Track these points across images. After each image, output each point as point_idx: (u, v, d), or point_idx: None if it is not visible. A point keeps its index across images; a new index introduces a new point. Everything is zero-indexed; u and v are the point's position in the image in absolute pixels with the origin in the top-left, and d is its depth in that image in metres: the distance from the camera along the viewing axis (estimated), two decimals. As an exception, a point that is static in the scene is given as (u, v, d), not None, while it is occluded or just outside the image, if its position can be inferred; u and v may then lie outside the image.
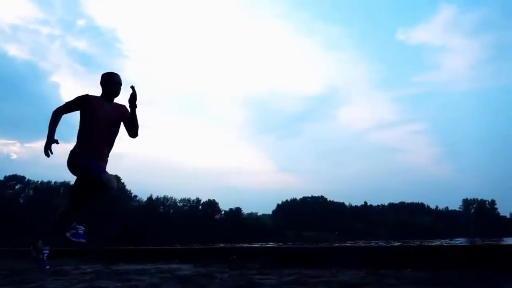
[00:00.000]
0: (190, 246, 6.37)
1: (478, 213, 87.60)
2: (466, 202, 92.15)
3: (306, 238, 66.96)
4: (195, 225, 67.93)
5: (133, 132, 3.13)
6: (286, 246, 2.96)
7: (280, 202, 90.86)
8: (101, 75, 3.12)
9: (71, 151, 2.95)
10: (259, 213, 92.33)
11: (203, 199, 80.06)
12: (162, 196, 76.54)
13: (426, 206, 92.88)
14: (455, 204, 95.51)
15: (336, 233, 76.35)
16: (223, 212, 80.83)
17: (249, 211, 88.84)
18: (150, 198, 73.00)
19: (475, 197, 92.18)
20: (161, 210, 74.10)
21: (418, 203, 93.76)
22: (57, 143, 2.87)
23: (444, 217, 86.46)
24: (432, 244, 2.30)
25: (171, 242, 33.10)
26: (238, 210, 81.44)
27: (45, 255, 2.98)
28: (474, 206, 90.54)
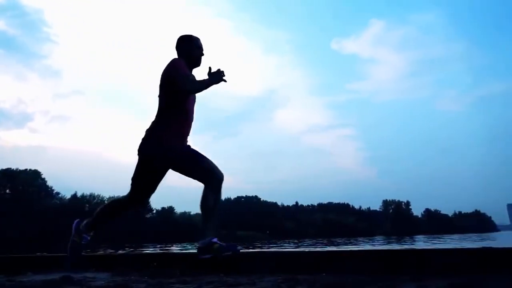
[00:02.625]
0: (109, 252, 6.01)
1: (395, 213, 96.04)
2: (386, 203, 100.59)
3: (239, 238, 67.65)
4: (124, 225, 64.83)
5: None
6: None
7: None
8: (180, 37, 2.52)
9: (159, 129, 2.32)
10: (193, 213, 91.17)
11: (134, 197, 76.82)
12: (88, 193, 71.87)
13: (351, 206, 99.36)
14: (376, 205, 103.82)
15: (268, 232, 78.22)
16: (154, 211, 78.27)
17: (182, 210, 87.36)
18: (74, 196, 67.99)
19: (393, 198, 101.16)
20: (87, 209, 69.41)
21: (344, 203, 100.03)
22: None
23: (366, 216, 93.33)
24: (345, 249, 2.48)
25: (96, 244, 31.15)
26: (170, 209, 79.45)
27: (85, 241, 2.49)
28: (392, 206, 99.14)
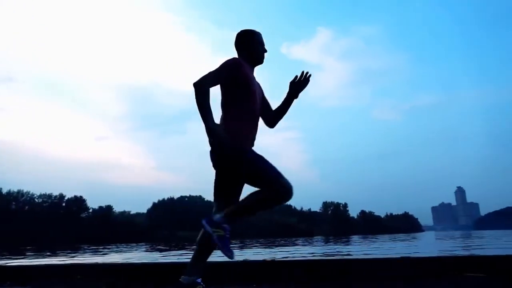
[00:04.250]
0: (27, 264, 5.62)
1: (334, 214, 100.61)
2: (325, 205, 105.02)
3: (180, 238, 66.36)
4: (57, 225, 60.54)
5: (276, 120, 2.37)
6: (140, 262, 2.94)
7: (156, 201, 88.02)
8: (240, 33, 2.28)
9: (228, 133, 2.02)
10: (133, 212, 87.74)
11: (68, 195, 72.13)
12: (15, 190, 66.12)
13: (293, 207, 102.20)
14: (316, 206, 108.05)
15: (211, 232, 77.67)
16: (91, 210, 74.08)
17: (122, 210, 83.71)
18: (-1, 192, 62.29)
19: (333, 200, 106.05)
20: (13, 207, 63.73)
21: (287, 204, 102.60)
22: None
23: (307, 217, 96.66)
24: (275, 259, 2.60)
25: (24, 246, 28.81)
26: (109, 208, 75.69)
27: (228, 233, 2.02)
28: (331, 208, 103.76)
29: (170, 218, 78.99)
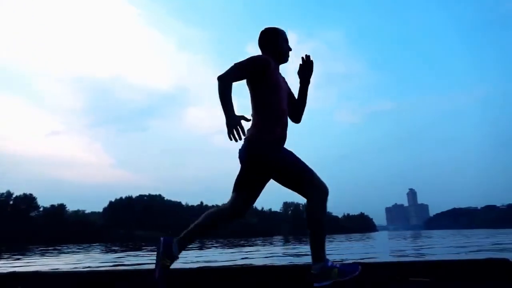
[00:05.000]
0: None
1: (294, 214, 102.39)
2: (286, 205, 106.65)
3: (138, 238, 64.54)
4: (2, 224, 56.59)
5: (299, 114, 2.33)
6: (85, 270, 2.79)
7: (113, 199, 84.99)
8: (265, 30, 2.23)
9: (259, 132, 2.00)
10: (88, 211, 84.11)
11: (16, 192, 67.78)
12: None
13: (254, 207, 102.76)
14: (277, 206, 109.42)
15: (170, 232, 76.27)
16: (41, 209, 70.09)
17: (76, 209, 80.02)
18: None
19: (293, 200, 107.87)
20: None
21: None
22: (247, 120, 1.93)
23: (268, 217, 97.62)
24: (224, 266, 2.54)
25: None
26: (61, 206, 72.02)
27: (172, 262, 1.95)
28: (292, 208, 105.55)
29: (127, 217, 76.57)
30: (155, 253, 2.00)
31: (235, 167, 2.12)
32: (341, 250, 10.29)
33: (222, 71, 1.95)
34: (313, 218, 2.01)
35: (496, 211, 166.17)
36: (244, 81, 2.09)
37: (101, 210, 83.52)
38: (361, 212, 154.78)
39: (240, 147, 2.05)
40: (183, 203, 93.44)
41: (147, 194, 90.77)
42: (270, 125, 2.02)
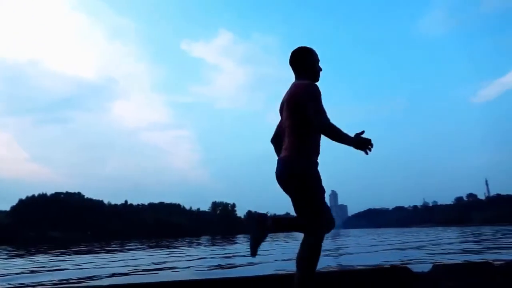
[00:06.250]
0: None
1: (222, 214, 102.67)
2: (214, 205, 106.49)
3: (52, 239, 59.18)
4: None
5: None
6: None
7: (24, 197, 76.95)
8: (301, 50, 2.21)
9: (300, 153, 2.01)
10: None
11: None
12: None
13: (182, 206, 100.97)
14: (205, 206, 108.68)
15: (89, 233, 71.43)
16: None
17: (-24, 207, 70.71)
18: None
19: (222, 200, 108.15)
20: None
21: (176, 203, 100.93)
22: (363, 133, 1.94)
23: (196, 217, 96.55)
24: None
25: None
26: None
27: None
28: (220, 208, 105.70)
29: (40, 217, 69.90)
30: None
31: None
32: (261, 251, 10.54)
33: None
34: (300, 255, 2.00)
35: (404, 212, 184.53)
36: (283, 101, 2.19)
37: (8, 208, 75.07)
38: (286, 212, 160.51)
39: (281, 169, 2.06)
40: (105, 201, 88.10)
41: (64, 191, 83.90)
42: (314, 148, 2.09)
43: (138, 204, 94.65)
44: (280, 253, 8.49)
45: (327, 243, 14.32)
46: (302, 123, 2.04)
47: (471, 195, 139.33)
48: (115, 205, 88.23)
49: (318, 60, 2.24)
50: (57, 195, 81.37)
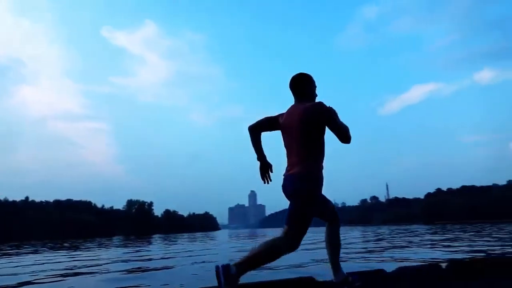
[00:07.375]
0: None
1: (138, 213, 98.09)
2: (130, 203, 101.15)
3: None
4: None
5: None
6: None
7: None
8: (304, 77, 2.42)
9: (313, 170, 2.23)
10: None
11: None
12: None
13: (93, 204, 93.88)
14: (120, 204, 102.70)
15: (-21, 233, 62.38)
16: None
17: None
18: None
19: (139, 198, 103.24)
20: None
21: (86, 201, 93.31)
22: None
23: (108, 216, 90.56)
24: None
25: None
26: None
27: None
28: (136, 206, 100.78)
29: None
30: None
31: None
32: (181, 253, 10.46)
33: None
34: (334, 242, 2.49)
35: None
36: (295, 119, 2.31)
37: None
38: (205, 212, 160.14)
39: (291, 182, 2.25)
40: (2, 198, 77.84)
41: None
42: (319, 167, 2.28)
43: (41, 201, 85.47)
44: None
45: (239, 244, 14.61)
46: (316, 141, 2.26)
47: (374, 198, 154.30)
48: (14, 201, 78.44)
49: (316, 87, 2.48)
50: None
